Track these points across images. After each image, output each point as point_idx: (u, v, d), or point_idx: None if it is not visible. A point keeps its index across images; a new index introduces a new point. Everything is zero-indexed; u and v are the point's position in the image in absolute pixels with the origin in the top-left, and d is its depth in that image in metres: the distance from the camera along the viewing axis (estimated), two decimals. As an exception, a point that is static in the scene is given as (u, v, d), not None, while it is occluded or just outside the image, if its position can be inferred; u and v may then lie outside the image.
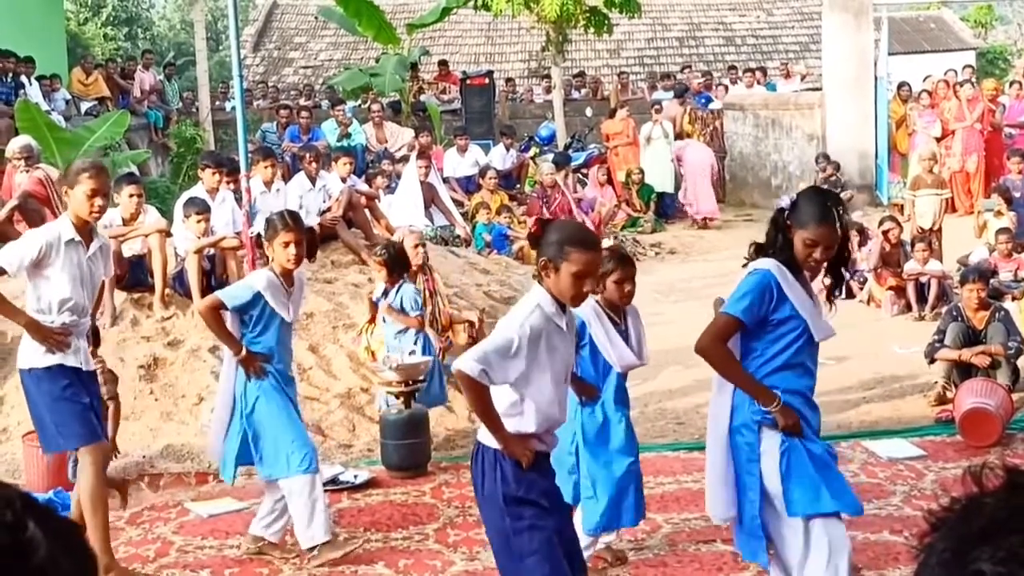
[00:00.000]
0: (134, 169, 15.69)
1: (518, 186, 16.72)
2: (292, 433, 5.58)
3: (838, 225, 4.12)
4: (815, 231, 4.09)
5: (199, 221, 8.75)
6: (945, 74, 18.69)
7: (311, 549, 5.57)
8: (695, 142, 17.95)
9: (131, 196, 8.73)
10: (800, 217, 4.14)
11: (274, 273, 5.60)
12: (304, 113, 16.73)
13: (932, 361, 8.20)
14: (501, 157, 16.83)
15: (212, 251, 9.03)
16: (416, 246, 8.23)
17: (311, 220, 10.34)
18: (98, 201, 5.37)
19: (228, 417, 5.67)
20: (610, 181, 16.79)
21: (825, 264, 4.23)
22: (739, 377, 4.19)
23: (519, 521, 3.84)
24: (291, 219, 5.64)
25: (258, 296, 5.54)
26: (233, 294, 5.63)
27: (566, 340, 3.97)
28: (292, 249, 5.53)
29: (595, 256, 3.89)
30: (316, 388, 8.14)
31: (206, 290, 8.88)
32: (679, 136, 18.24)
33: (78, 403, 5.41)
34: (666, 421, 7.81)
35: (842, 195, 15.43)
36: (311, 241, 5.85)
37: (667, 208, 17.24)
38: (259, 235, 5.83)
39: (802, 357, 4.21)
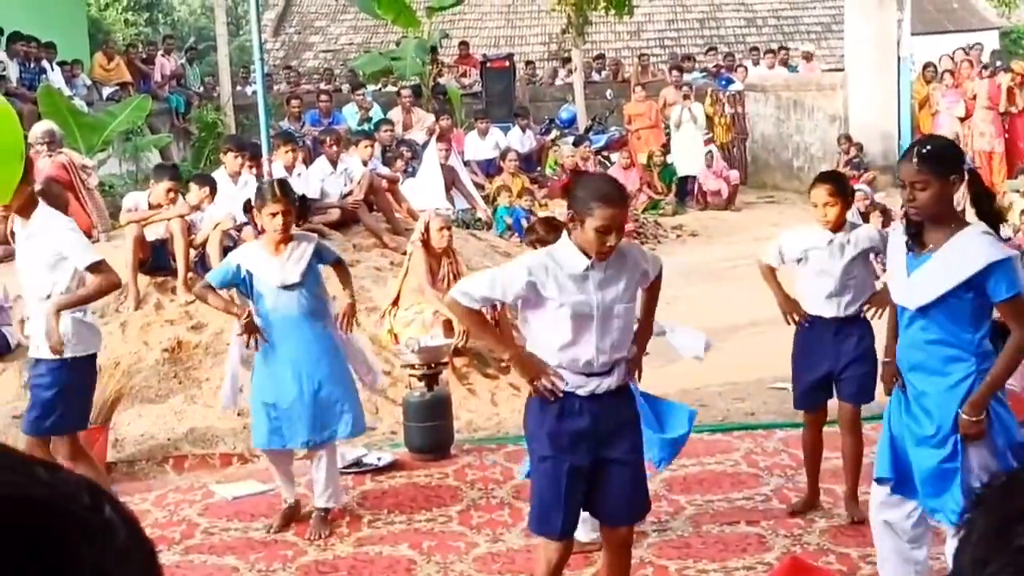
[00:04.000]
0: (156, 155, 15.78)
1: (539, 169, 16.69)
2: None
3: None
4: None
5: (169, 190, 8.84)
6: (952, 53, 18.56)
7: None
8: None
9: (167, 191, 8.80)
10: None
11: (262, 243, 5.74)
12: (324, 97, 16.73)
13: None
14: (519, 139, 16.79)
15: (233, 233, 9.08)
16: (441, 229, 8.23)
17: (317, 202, 10.36)
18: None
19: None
20: (632, 164, 16.73)
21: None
22: None
23: (533, 453, 4.27)
24: (279, 189, 5.68)
25: (237, 269, 5.68)
26: (215, 273, 5.86)
27: (585, 286, 4.03)
28: (279, 219, 5.56)
29: (617, 212, 3.96)
30: (339, 371, 8.16)
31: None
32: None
33: None
34: (688, 403, 7.77)
35: (864, 176, 15.38)
36: (301, 207, 5.88)
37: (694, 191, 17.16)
38: (248, 201, 5.86)
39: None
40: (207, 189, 9.16)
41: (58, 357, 5.48)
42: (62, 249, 5.45)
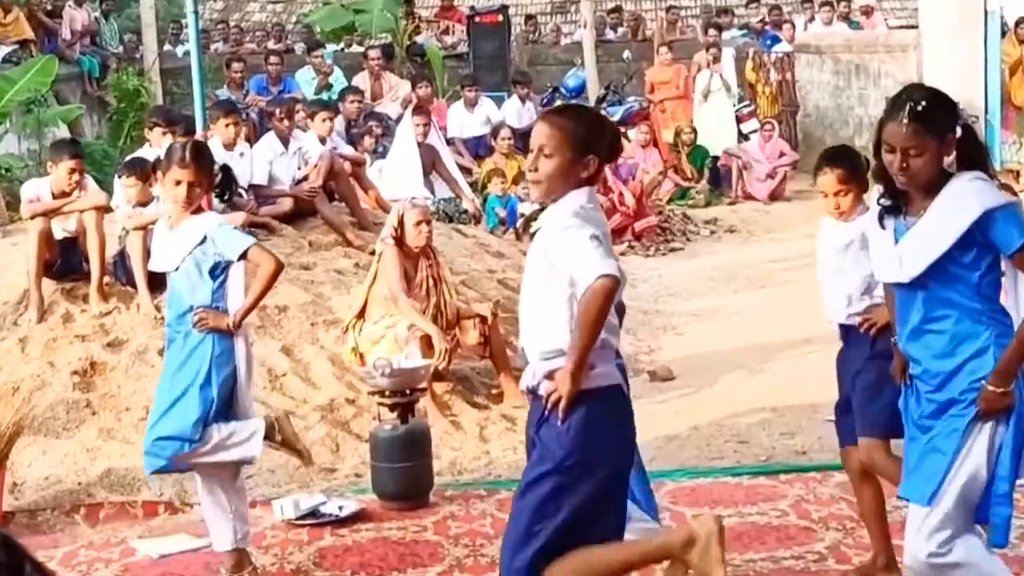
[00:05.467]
0: (64, 130, 15.77)
1: (539, 149, 16.70)
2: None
3: None
4: None
5: (131, 186, 8.81)
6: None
7: None
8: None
9: (70, 171, 8.78)
10: None
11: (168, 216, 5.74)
12: (273, 59, 16.75)
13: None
14: (516, 112, 16.83)
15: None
16: (418, 223, 8.24)
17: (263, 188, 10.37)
18: None
19: None
20: (655, 142, 16.74)
21: None
22: None
23: None
24: (190, 153, 5.56)
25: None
26: None
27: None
28: (181, 189, 5.49)
29: None
30: (291, 399, 8.16)
31: (151, 277, 8.93)
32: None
33: None
34: (725, 439, 7.80)
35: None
36: (225, 181, 5.84)
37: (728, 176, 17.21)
38: (154, 164, 5.78)
39: None
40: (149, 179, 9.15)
41: None
42: None
